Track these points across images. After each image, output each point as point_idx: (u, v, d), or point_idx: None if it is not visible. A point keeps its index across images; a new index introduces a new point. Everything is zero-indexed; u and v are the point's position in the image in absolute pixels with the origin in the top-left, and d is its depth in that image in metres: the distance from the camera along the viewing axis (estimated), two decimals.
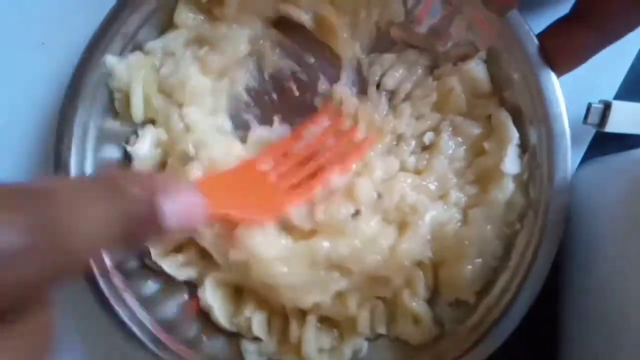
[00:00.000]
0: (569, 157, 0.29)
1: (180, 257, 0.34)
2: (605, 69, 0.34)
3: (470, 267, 0.31)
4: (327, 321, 0.34)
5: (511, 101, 0.31)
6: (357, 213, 0.33)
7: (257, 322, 0.33)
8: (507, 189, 0.31)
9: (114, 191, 0.20)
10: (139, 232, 0.21)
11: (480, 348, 0.29)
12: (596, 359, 0.28)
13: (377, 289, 0.32)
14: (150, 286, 0.34)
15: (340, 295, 0.32)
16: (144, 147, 0.34)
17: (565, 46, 0.28)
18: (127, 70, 0.33)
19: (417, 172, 0.33)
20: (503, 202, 0.31)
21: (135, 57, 0.33)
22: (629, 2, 0.26)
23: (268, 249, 0.31)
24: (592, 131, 0.34)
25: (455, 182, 0.33)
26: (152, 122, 0.35)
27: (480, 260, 0.31)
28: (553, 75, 0.29)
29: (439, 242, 0.32)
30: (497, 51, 0.31)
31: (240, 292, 0.35)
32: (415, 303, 0.32)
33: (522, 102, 0.31)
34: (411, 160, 0.33)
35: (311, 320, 0.33)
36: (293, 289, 0.31)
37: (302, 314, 0.33)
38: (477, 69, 0.32)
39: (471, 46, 0.32)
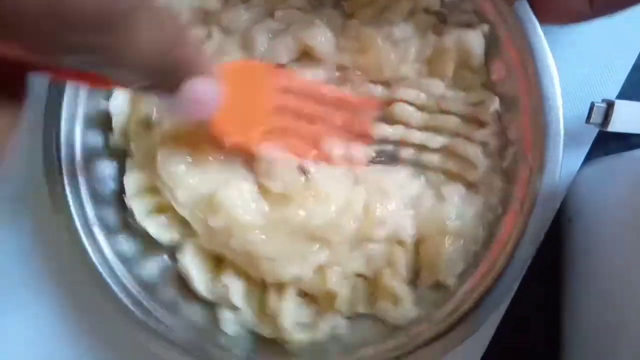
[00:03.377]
0: (561, 151, 0.29)
1: (163, 219, 0.34)
2: (608, 67, 0.34)
3: (451, 247, 0.31)
4: (306, 296, 0.34)
5: (507, 90, 0.31)
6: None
7: (235, 290, 0.33)
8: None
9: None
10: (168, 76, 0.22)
11: (456, 332, 0.29)
12: (597, 358, 0.29)
13: (358, 264, 0.32)
14: (132, 246, 0.34)
15: (320, 270, 0.32)
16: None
17: (554, 5, 0.28)
18: None
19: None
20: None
21: None
22: None
23: (245, 212, 0.31)
24: (594, 131, 0.34)
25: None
26: None
27: (462, 241, 0.31)
28: (553, 71, 0.29)
29: (419, 217, 0.32)
30: (499, 36, 0.31)
31: (220, 261, 0.34)
32: (396, 283, 0.32)
33: (518, 92, 0.30)
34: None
35: (290, 292, 0.32)
36: (272, 260, 0.31)
37: (282, 286, 0.33)
38: (474, 39, 0.31)
39: (475, 16, 0.32)
